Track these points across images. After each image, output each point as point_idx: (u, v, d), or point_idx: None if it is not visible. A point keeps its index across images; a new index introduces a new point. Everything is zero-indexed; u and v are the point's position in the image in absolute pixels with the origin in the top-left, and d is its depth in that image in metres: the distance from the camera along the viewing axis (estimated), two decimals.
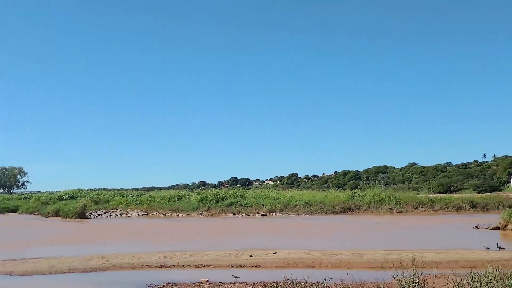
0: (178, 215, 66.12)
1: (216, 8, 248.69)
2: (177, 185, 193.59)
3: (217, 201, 70.67)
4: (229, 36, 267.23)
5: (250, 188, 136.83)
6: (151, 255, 22.29)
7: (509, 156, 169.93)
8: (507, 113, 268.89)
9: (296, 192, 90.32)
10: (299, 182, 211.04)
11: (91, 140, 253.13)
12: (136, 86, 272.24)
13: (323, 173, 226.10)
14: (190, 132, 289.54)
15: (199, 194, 76.48)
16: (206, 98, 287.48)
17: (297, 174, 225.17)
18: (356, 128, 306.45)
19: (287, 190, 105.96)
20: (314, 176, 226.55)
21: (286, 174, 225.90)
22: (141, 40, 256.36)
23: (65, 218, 61.74)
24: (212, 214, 65.56)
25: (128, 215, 67.85)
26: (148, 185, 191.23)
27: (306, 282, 12.62)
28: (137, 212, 69.08)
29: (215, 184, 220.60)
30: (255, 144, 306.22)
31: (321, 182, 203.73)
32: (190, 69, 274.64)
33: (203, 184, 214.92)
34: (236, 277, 15.87)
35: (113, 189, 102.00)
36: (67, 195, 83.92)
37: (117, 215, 67.95)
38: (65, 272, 18.91)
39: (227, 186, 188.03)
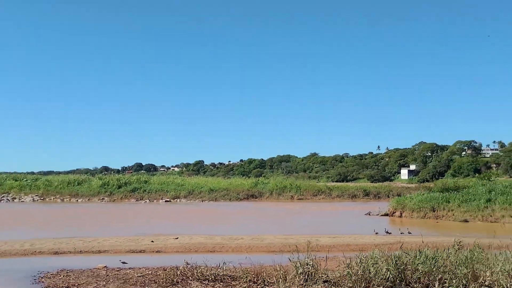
0: (77, 200, 63.37)
1: None
2: (77, 169, 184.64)
3: (120, 187, 68.74)
4: None
5: (155, 174, 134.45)
6: (45, 241, 21.18)
7: (400, 149, 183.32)
8: (400, 109, 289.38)
9: (202, 179, 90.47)
10: (205, 169, 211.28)
11: None
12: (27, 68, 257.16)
13: (229, 161, 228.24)
14: (93, 116, 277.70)
15: (101, 179, 73.82)
16: (108, 82, 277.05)
17: (203, 161, 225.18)
18: (260, 119, 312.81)
19: (192, 177, 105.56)
20: (220, 163, 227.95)
21: (192, 161, 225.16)
22: None
23: None
24: (115, 200, 63.74)
25: (22, 200, 63.70)
26: (45, 169, 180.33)
27: (206, 266, 12.81)
28: (32, 197, 65.09)
29: (118, 170, 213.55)
30: (161, 130, 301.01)
31: (227, 169, 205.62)
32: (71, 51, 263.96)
33: (106, 169, 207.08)
34: (123, 263, 15.44)
35: (5, 173, 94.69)
36: None
37: (8, 200, 63.49)
38: None
39: (131, 172, 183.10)
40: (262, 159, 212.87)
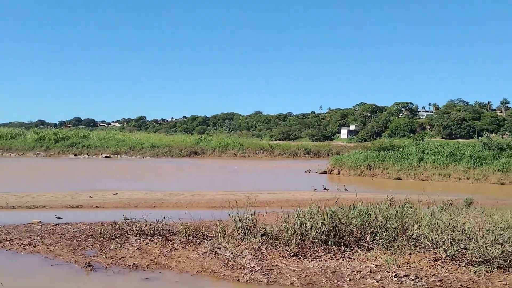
0: (10, 154, 60.63)
1: None
2: (11, 123, 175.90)
3: (57, 141, 66.36)
4: None
5: (95, 130, 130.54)
6: None
7: (341, 109, 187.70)
8: (342, 70, 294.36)
9: (143, 135, 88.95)
10: (147, 125, 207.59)
11: None
12: None
13: (172, 118, 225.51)
14: (27, 66, 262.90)
15: (37, 133, 70.81)
16: (43, 28, 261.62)
17: (145, 117, 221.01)
18: (204, 76, 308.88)
19: (134, 133, 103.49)
20: (163, 120, 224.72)
21: (134, 117, 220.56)
22: None
23: None
24: (51, 155, 61.53)
25: None
26: None
27: (146, 221, 12.78)
28: None
29: (55, 124, 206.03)
30: (102, 83, 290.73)
31: (170, 126, 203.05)
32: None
33: (42, 123, 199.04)
34: (58, 218, 15.07)
35: None
36: None
37: None
38: None
39: (70, 126, 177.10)
40: (206, 116, 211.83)
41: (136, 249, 11.13)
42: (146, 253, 10.97)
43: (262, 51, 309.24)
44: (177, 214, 15.01)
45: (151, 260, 10.54)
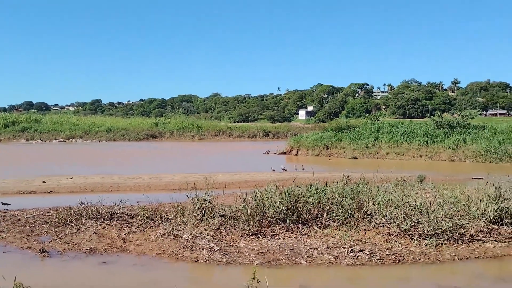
0: None
1: None
2: None
3: (6, 126, 63.96)
4: None
5: (48, 114, 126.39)
6: None
7: (299, 90, 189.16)
8: (300, 51, 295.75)
9: (99, 119, 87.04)
10: (103, 109, 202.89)
11: None
12: None
13: (129, 100, 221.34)
14: None
15: None
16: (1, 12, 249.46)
17: (100, 101, 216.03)
18: (161, 57, 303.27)
19: (89, 116, 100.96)
20: (119, 103, 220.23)
21: (88, 100, 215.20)
22: None
23: None
24: (1, 140, 59.28)
25: None
26: None
27: (102, 205, 12.55)
28: None
29: (5, 108, 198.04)
30: (55, 66, 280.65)
31: (126, 109, 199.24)
32: None
33: None
34: (4, 204, 14.45)
35: None
36: None
37: None
38: None
39: (20, 111, 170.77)
40: (163, 99, 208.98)
41: (93, 233, 10.94)
42: (103, 237, 10.81)
43: (219, 32, 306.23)
44: (135, 198, 14.83)
45: (108, 244, 10.39)
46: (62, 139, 60.41)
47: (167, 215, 12.02)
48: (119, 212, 12.29)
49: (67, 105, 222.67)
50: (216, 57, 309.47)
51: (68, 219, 11.82)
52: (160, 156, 40.75)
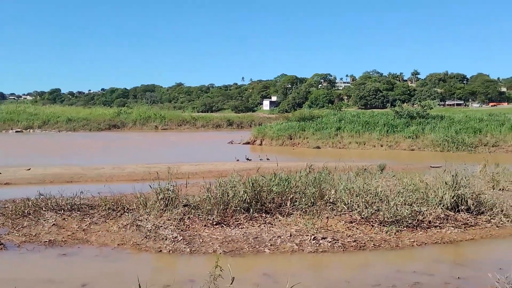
0: None
1: None
2: None
3: None
4: None
5: (3, 103, 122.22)
6: None
7: (263, 80, 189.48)
8: (265, 40, 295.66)
9: (58, 108, 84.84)
10: (63, 98, 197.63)
11: None
12: None
13: (89, 90, 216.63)
14: None
15: None
16: None
17: (60, 90, 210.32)
18: (122, 46, 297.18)
19: (48, 106, 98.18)
20: (80, 92, 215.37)
21: (47, 89, 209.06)
22: None
23: None
24: None
25: None
26: None
27: (62, 196, 12.25)
28: None
29: None
30: (11, 54, 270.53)
31: (87, 99, 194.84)
32: None
33: None
34: None
35: None
36: None
37: None
38: None
39: None
40: (125, 88, 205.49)
41: (52, 225, 10.67)
42: (63, 228, 10.56)
43: (182, 22, 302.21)
44: (97, 188, 14.57)
45: (68, 235, 10.17)
46: (19, 129, 58.55)
47: (129, 206, 11.84)
48: (80, 203, 12.02)
49: (24, 95, 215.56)
50: (180, 47, 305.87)
51: (26, 211, 11.46)
52: (122, 146, 40.11)
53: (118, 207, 11.74)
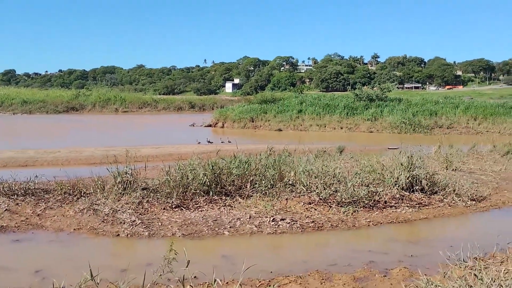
0: None
1: None
2: None
3: None
4: None
5: None
6: None
7: (226, 63, 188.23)
8: (226, 23, 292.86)
9: (13, 90, 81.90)
10: (17, 80, 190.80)
11: None
12: None
13: (46, 71, 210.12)
14: None
15: None
16: None
17: (14, 71, 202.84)
18: (81, 25, 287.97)
19: (1, 88, 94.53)
20: (36, 74, 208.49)
21: (1, 70, 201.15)
22: None
23: None
24: None
25: None
26: None
27: (15, 180, 11.87)
28: None
29: None
30: None
31: (44, 80, 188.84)
32: None
33: None
34: None
35: None
36: None
37: None
38: None
39: None
40: (84, 70, 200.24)
41: (5, 210, 10.33)
42: (17, 214, 10.26)
43: (142, 1, 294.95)
44: (53, 172, 14.16)
45: (22, 221, 9.89)
46: None
47: (86, 190, 11.60)
48: (34, 188, 11.67)
49: None
50: (140, 28, 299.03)
51: None
52: (80, 129, 39.14)
53: (75, 192, 11.48)
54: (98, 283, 4.59)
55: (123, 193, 10.98)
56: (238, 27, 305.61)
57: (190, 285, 4.85)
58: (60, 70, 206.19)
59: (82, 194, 11.36)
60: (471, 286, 5.68)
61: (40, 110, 60.37)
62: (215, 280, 4.78)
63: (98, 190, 11.29)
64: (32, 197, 11.22)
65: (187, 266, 4.82)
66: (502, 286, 5.53)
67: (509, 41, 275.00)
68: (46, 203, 10.87)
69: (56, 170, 14.94)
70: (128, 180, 11.23)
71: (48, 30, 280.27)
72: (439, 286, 5.94)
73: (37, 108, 60.71)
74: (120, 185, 11.11)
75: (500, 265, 7.09)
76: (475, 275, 6.10)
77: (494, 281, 5.70)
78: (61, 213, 10.37)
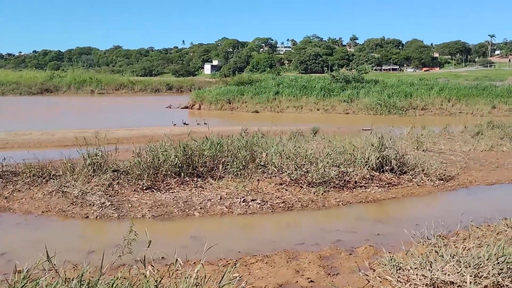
0: None
1: None
2: None
3: None
4: None
5: None
6: None
7: (204, 44, 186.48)
8: (205, 3, 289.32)
9: None
10: None
11: None
12: None
13: (20, 52, 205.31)
14: None
15: None
16: None
17: None
18: (55, 5, 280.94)
19: None
20: (9, 54, 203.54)
21: None
22: None
23: None
24: None
25: None
26: None
27: None
28: None
29: None
30: None
31: (17, 61, 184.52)
32: None
33: None
34: None
35: None
36: None
37: None
38: None
39: None
40: (60, 51, 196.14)
41: None
42: None
43: None
44: (23, 155, 13.93)
45: None
46: None
47: (56, 172, 11.47)
48: (2, 170, 11.49)
49: None
50: (116, 7, 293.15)
51: None
52: (54, 111, 38.47)
53: (44, 174, 11.33)
54: (55, 264, 4.57)
55: (93, 175, 10.88)
56: (217, 8, 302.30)
57: (152, 265, 4.87)
58: (34, 51, 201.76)
59: (52, 177, 11.23)
60: (431, 262, 5.83)
61: (13, 91, 59.13)
62: (176, 260, 4.80)
63: (68, 172, 11.18)
64: (0, 179, 11.04)
65: (148, 247, 4.84)
66: (460, 262, 5.70)
67: (485, 23, 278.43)
68: (14, 186, 10.73)
69: (27, 153, 14.70)
70: (98, 162, 11.12)
71: (21, 9, 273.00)
72: (401, 263, 6.10)
73: (10, 90, 59.42)
74: (90, 167, 11.01)
75: (463, 242, 7.30)
76: (436, 251, 6.27)
77: (453, 257, 5.86)
78: (29, 195, 10.25)
